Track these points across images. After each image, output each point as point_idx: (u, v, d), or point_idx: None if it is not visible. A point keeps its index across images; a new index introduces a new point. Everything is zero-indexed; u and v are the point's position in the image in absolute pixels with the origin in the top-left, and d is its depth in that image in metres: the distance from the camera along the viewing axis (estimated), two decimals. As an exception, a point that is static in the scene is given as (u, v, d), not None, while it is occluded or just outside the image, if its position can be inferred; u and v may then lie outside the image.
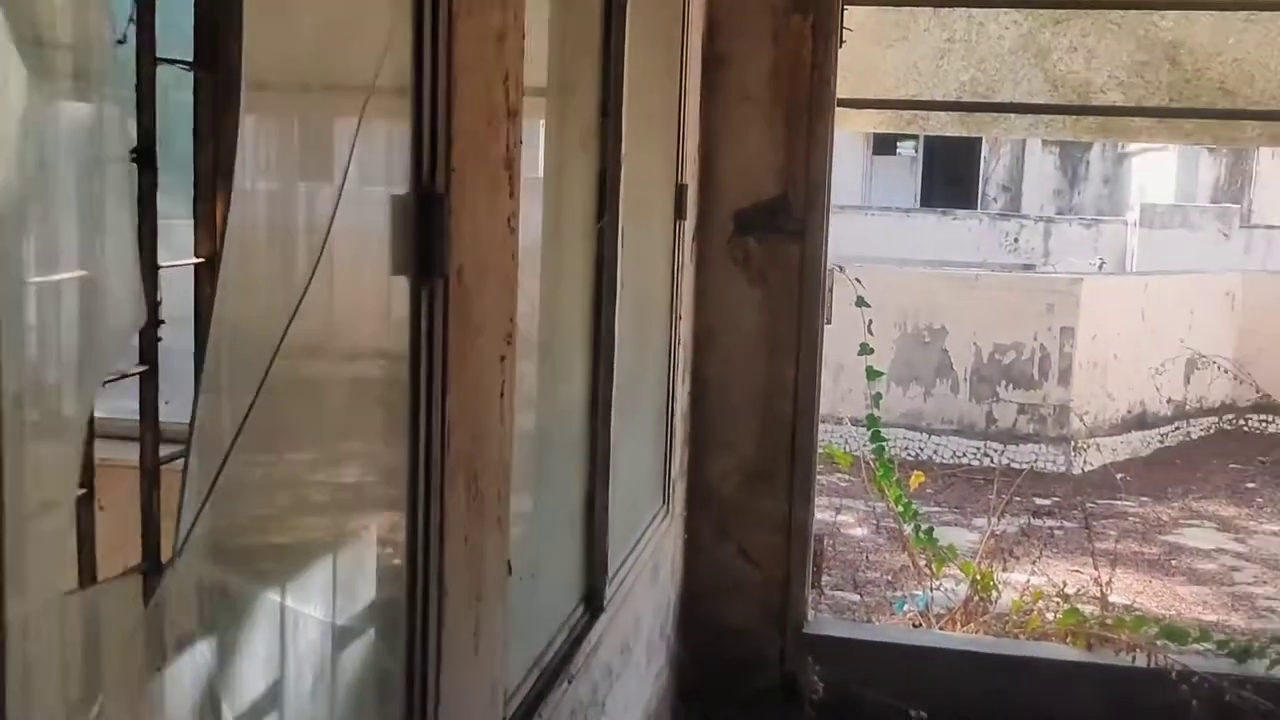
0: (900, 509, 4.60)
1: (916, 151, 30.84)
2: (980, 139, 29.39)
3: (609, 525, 2.88)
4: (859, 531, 6.30)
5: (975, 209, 27.18)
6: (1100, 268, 17.98)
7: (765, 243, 4.12)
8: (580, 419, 2.78)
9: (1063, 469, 8.79)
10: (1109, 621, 4.17)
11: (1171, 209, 17.84)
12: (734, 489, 4.22)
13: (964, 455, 8.91)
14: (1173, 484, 8.61)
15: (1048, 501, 7.86)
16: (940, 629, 4.53)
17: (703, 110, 3.90)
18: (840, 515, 6.66)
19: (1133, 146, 25.60)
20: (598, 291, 2.75)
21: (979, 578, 4.54)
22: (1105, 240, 18.73)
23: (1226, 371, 9.28)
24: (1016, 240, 19.68)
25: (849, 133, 29.17)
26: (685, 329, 3.93)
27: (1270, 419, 10.29)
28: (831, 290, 4.31)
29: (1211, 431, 10.21)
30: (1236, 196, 24.53)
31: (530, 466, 2.49)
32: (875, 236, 19.55)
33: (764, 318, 4.13)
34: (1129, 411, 9.35)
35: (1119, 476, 7.85)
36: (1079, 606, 4.51)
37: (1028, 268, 18.53)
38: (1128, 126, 4.61)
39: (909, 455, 9.00)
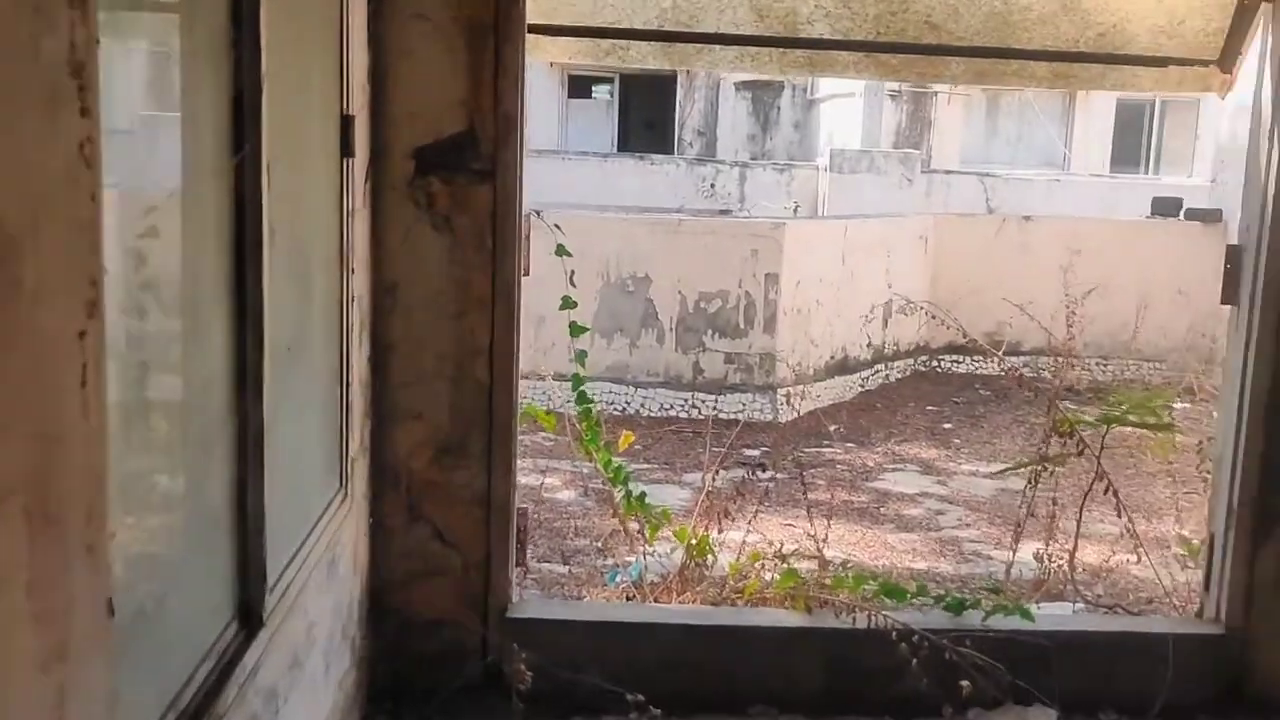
0: (610, 474, 4.32)
1: (612, 96, 30.93)
2: (675, 84, 29.82)
3: (266, 521, 2.43)
4: (566, 495, 6.02)
5: (672, 154, 27.53)
6: (795, 212, 18.55)
7: (452, 184, 3.71)
8: (221, 396, 2.30)
9: (770, 418, 8.82)
10: (827, 581, 4.04)
11: (859, 154, 18.58)
12: (425, 464, 3.82)
13: (672, 408, 8.81)
14: (876, 428, 8.80)
15: (757, 452, 7.86)
16: (655, 600, 4.29)
17: (371, 30, 3.44)
18: (546, 478, 6.36)
19: (822, 93, 26.48)
20: (239, 239, 2.28)
21: (694, 543, 4.33)
22: (798, 185, 19.29)
23: (933, 316, 9.58)
24: (713, 185, 19.99)
25: (542, 68, 28.91)
26: (361, 283, 3.48)
27: (960, 359, 10.73)
28: (529, 238, 3.95)
29: (908, 373, 10.55)
30: (917, 142, 25.82)
31: (149, 464, 2.01)
32: (573, 182, 19.44)
33: (453, 269, 3.73)
34: (832, 357, 9.49)
35: (833, 429, 7.96)
36: (796, 566, 4.38)
37: (724, 213, 18.92)
38: (835, 61, 4.44)
39: (615, 410, 8.83)
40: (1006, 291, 10.36)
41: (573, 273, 4.20)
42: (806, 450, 8.03)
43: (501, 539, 3.86)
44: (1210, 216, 10.56)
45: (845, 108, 23.96)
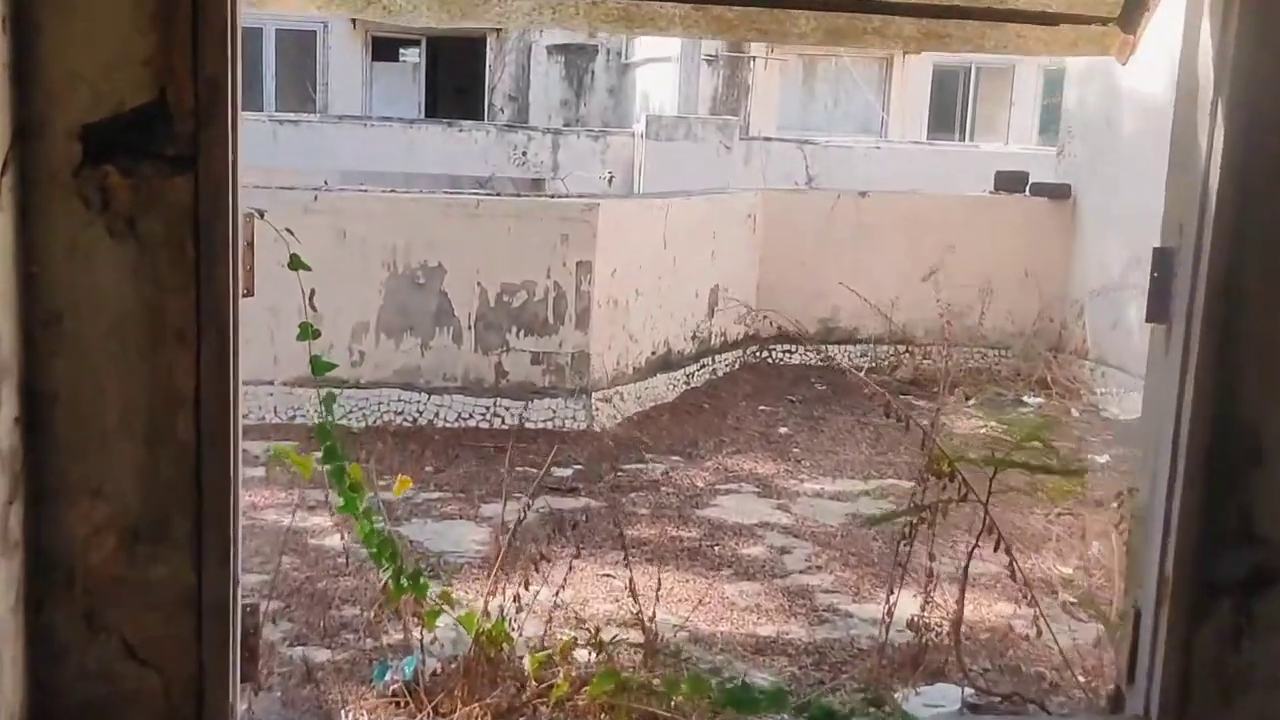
0: (372, 550, 3.41)
1: (420, 59, 29.69)
2: (485, 46, 28.75)
3: None
4: (335, 541, 5.04)
5: (483, 120, 26.49)
6: (610, 182, 17.85)
7: (135, 174, 2.73)
8: None
9: (585, 425, 8.00)
10: (656, 683, 3.23)
11: (676, 120, 18.01)
12: (109, 556, 2.84)
13: (471, 417, 7.90)
14: (704, 435, 8.06)
15: (569, 472, 7.02)
16: (436, 712, 3.40)
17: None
18: (311, 517, 5.39)
19: (637, 56, 25.81)
20: None
21: (486, 635, 3.45)
22: (613, 153, 18.62)
23: (749, 311, 8.91)
24: (525, 153, 19.12)
25: (343, 29, 27.47)
26: (3, 314, 2.52)
27: (793, 349, 10.11)
28: (251, 245, 3.00)
29: (737, 366, 9.87)
30: (734, 108, 25.41)
31: None
32: (376, 151, 18.40)
33: (141, 290, 2.75)
34: (654, 353, 8.71)
35: (655, 441, 7.14)
36: (618, 647, 3.56)
37: (538, 182, 18.21)
38: (657, 14, 3.60)
39: (406, 421, 7.87)
40: (842, 274, 9.77)
41: (312, 294, 3.25)
42: (626, 468, 7.24)
43: (218, 650, 2.92)
44: (1058, 192, 10.15)
45: (661, 73, 23.38)
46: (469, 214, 7.90)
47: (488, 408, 7.93)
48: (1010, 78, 27.76)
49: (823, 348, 10.14)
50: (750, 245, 9.92)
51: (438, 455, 7.32)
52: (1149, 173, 8.43)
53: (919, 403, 9.16)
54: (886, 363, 10.00)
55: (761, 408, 8.86)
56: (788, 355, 10.12)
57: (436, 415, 7.89)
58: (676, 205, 8.82)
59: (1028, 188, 10.36)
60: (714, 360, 9.54)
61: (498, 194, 9.98)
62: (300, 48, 25.89)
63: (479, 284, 7.90)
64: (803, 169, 18.83)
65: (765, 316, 9.63)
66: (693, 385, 9.21)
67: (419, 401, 7.90)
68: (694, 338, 9.24)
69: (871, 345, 10.12)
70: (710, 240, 9.33)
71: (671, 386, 8.95)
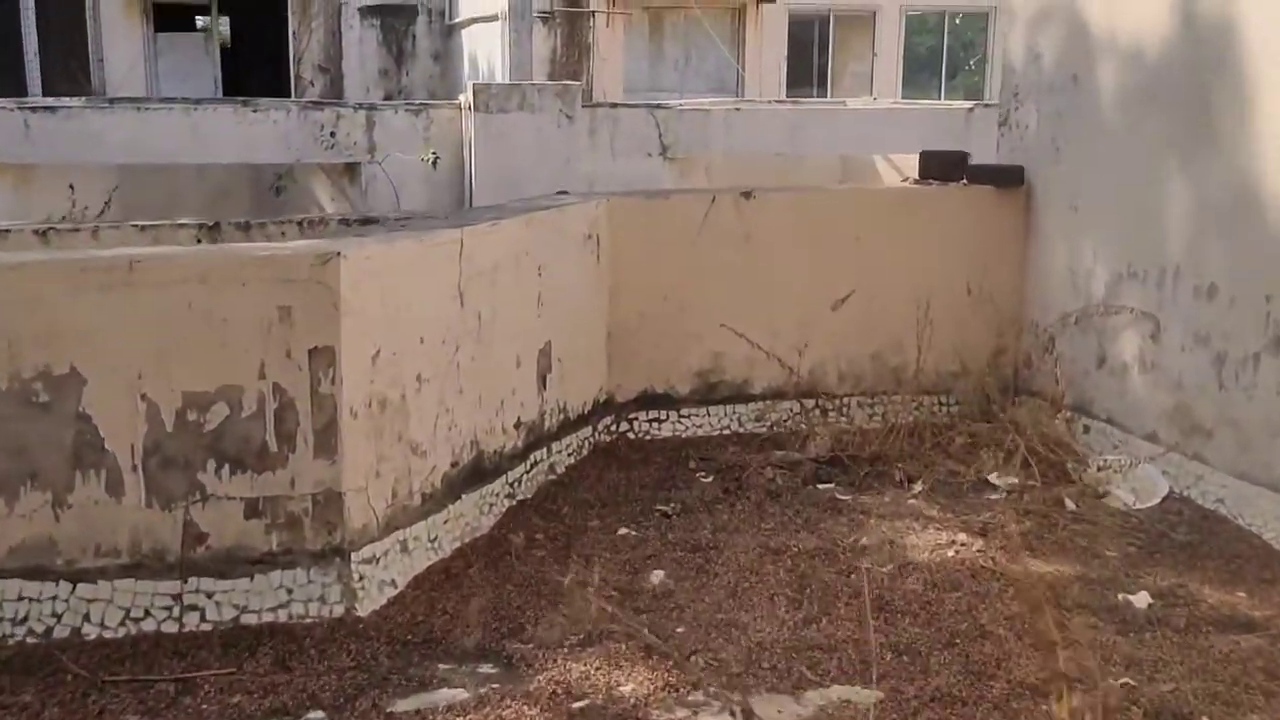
0: None
1: (213, 26, 25.79)
2: (286, 8, 25.02)
3: None
4: None
5: (289, 97, 23.04)
6: (435, 164, 14.93)
7: None
8: None
9: (340, 610, 4.79)
10: None
11: (508, 89, 15.01)
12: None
13: (146, 615, 4.64)
14: (533, 604, 4.91)
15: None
16: None
17: None
18: None
19: (461, 15, 22.39)
20: None
21: None
22: (438, 129, 15.41)
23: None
24: (333, 134, 15.63)
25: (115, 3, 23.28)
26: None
27: (661, 416, 7.00)
28: None
29: (586, 452, 6.72)
30: (575, 72, 22.53)
31: None
32: (154, 139, 14.86)
33: None
34: (455, 464, 5.51)
35: (457, 626, 4.03)
36: None
37: (351, 167, 15.23)
38: None
39: (32, 635, 4.57)
40: (724, 308, 6.68)
41: None
42: (400, 705, 4.07)
43: None
44: (1006, 177, 7.16)
45: (490, 34, 20.23)
46: (119, 283, 4.56)
47: (174, 596, 4.66)
48: (871, 25, 25.04)
49: (702, 412, 7.04)
50: (594, 277, 6.73)
51: (73, 710, 4.06)
52: (1143, 147, 5.27)
53: (844, 496, 6.14)
54: (792, 429, 6.95)
55: (622, 530, 5.70)
56: (655, 426, 6.96)
57: (86, 619, 4.59)
58: (478, 237, 5.58)
59: (964, 174, 7.33)
60: (550, 451, 6.34)
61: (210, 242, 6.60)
62: (67, 20, 21.81)
63: (145, 397, 4.60)
64: (655, 138, 15.87)
65: (614, 383, 6.53)
66: (520, 497, 6.01)
67: (55, 598, 4.60)
68: (518, 425, 6.03)
69: (769, 404, 7.06)
70: (534, 279, 6.13)
71: (486, 508, 5.74)
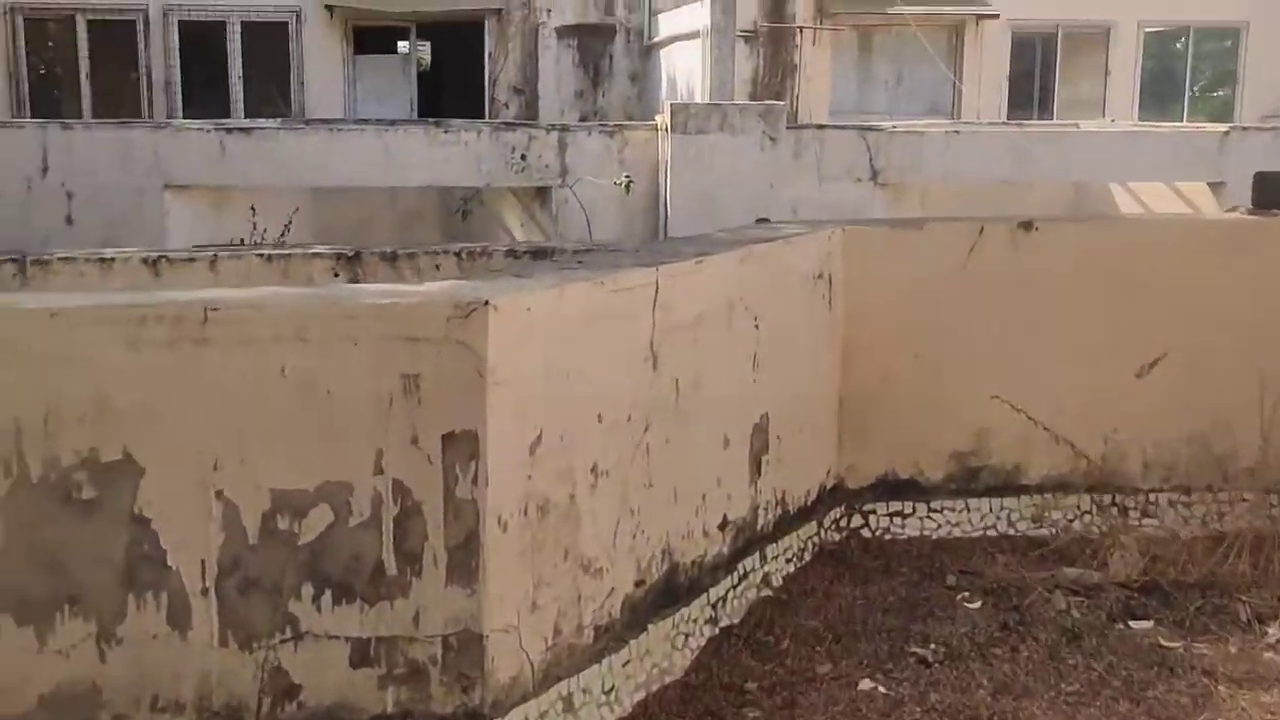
0: None
1: (411, 49, 25.33)
2: (484, 30, 24.44)
3: None
4: None
5: (486, 118, 22.33)
6: (628, 188, 13.78)
7: None
8: None
9: (475, 802, 3.37)
10: None
11: (708, 109, 13.72)
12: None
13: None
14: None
15: None
16: None
17: None
18: None
19: (661, 34, 21.36)
20: None
21: None
22: (633, 151, 14.24)
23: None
24: (524, 156, 14.55)
25: (318, 18, 23.10)
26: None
27: (906, 511, 5.40)
28: None
29: (808, 558, 5.17)
30: (779, 92, 21.11)
31: None
32: (347, 162, 14.14)
33: None
34: (638, 584, 4.06)
35: None
36: None
37: (542, 191, 14.20)
38: None
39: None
40: (992, 372, 5.06)
41: None
42: None
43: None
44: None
45: (690, 53, 19.03)
46: (190, 339, 3.27)
47: (255, 774, 3.33)
48: (1104, 41, 22.81)
49: (960, 506, 5.41)
50: (824, 329, 5.18)
51: None
52: None
53: (1172, 644, 4.43)
54: (1083, 534, 5.26)
55: (864, 683, 4.12)
56: (898, 523, 5.34)
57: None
58: (679, 279, 4.11)
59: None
60: (764, 558, 4.81)
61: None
62: (271, 44, 21.54)
63: (221, 495, 3.30)
64: (866, 163, 14.25)
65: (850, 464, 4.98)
66: (724, 623, 4.50)
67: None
68: (724, 526, 4.53)
69: (1050, 498, 5.38)
70: (749, 333, 4.63)
71: (680, 641, 4.25)
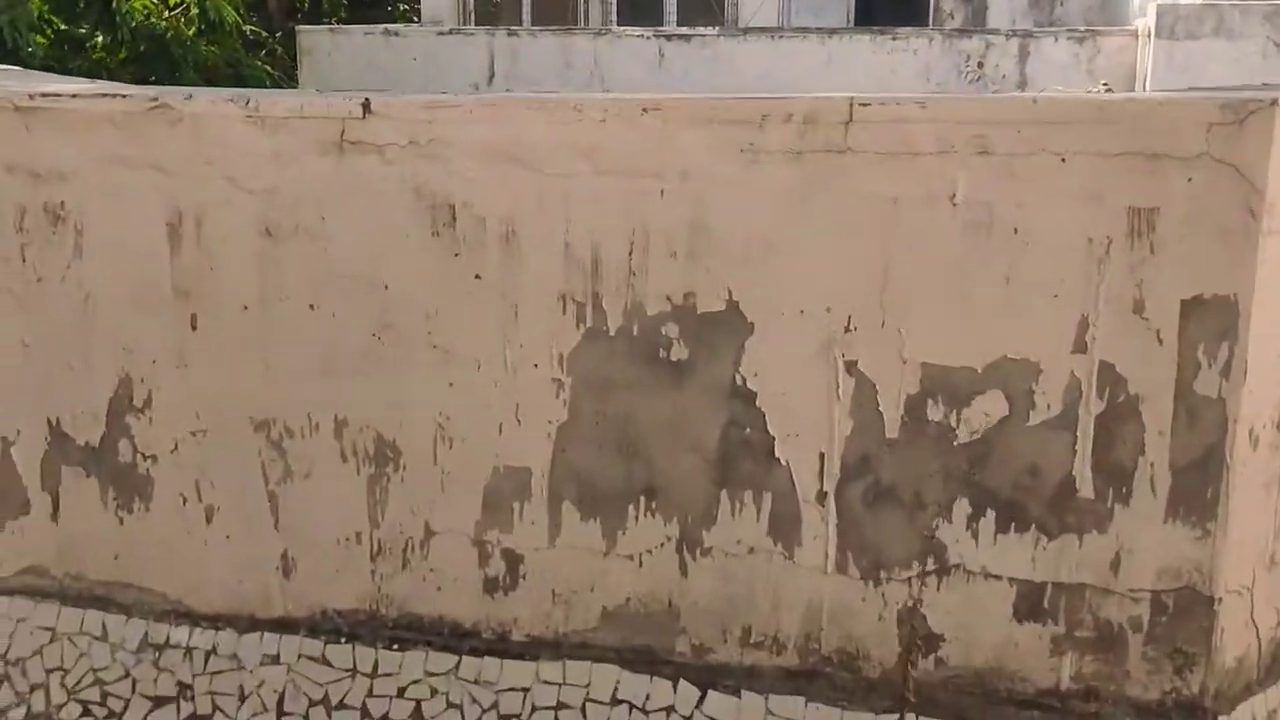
0: None
1: (844, -43, 24.17)
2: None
3: None
4: None
5: (927, 26, 20.99)
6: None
7: None
8: None
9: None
10: None
11: (1200, 10, 11.80)
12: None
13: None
14: None
15: None
16: None
17: None
18: None
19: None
20: None
21: None
22: (1105, 59, 12.54)
23: None
24: (980, 64, 13.16)
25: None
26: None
27: None
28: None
29: None
30: None
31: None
32: (790, 69, 13.31)
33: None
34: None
35: None
36: None
37: None
38: None
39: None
40: None
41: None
42: None
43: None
44: None
45: (1168, -48, 16.72)
46: (819, 151, 2.35)
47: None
48: None
49: None
50: None
51: None
52: None
53: None
54: None
55: None
56: None
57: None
58: None
59: None
60: None
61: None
62: (706, -51, 21.03)
63: (853, 368, 2.38)
64: None
65: None
66: None
67: None
68: None
69: None
70: None
71: None
